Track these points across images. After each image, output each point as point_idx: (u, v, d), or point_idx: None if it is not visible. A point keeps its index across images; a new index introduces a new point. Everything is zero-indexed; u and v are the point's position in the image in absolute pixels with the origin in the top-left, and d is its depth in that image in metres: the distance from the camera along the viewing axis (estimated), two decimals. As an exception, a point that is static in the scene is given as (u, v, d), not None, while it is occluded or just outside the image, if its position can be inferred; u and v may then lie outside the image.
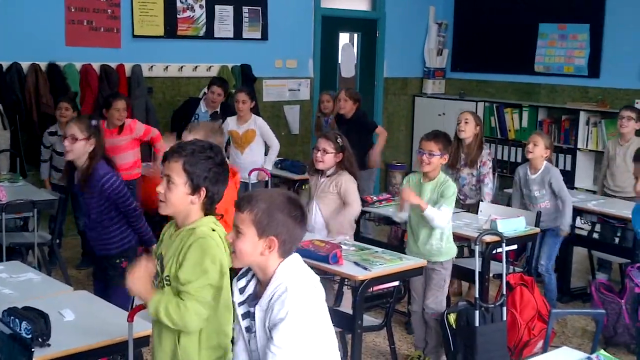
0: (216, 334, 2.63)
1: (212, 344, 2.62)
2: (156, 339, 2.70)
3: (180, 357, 2.60)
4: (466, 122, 5.66)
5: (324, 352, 2.33)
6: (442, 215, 4.26)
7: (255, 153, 6.40)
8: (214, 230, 2.60)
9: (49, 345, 2.75)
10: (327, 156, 4.46)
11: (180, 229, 2.63)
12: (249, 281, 2.39)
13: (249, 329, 2.37)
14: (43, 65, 6.64)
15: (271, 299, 2.24)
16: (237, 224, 2.30)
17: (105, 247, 4.15)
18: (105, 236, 4.13)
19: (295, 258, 2.34)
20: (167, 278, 2.61)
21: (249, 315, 2.35)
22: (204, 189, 2.59)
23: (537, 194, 5.42)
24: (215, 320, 2.61)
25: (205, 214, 2.64)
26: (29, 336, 2.70)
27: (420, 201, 4.27)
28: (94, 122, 4.13)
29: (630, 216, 5.38)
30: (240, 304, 2.38)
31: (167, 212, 2.65)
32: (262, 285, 2.33)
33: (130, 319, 2.86)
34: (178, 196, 2.58)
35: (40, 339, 2.72)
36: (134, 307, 2.97)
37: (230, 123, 6.39)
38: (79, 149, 4.06)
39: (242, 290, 2.39)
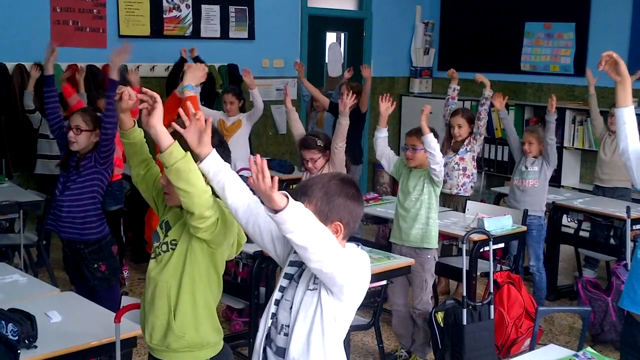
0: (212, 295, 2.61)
1: (210, 310, 2.61)
2: (148, 306, 2.63)
3: (176, 322, 2.56)
4: (459, 127, 5.65)
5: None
6: (435, 143, 4.26)
7: (240, 144, 6.37)
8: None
9: (35, 347, 2.73)
10: (318, 162, 4.46)
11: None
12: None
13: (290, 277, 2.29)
14: (28, 65, 6.60)
15: None
16: None
17: (81, 230, 4.10)
18: (82, 214, 4.08)
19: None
20: (173, 242, 2.56)
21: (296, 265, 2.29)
22: None
23: (529, 169, 5.48)
24: (209, 285, 2.59)
25: None
26: (15, 338, 2.68)
27: (425, 125, 4.30)
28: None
29: (617, 214, 5.47)
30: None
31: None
32: None
33: (118, 320, 2.85)
34: None
35: (26, 341, 2.70)
36: (121, 307, 2.95)
37: (219, 114, 6.43)
38: (83, 140, 4.05)
39: (292, 263, 2.31)
